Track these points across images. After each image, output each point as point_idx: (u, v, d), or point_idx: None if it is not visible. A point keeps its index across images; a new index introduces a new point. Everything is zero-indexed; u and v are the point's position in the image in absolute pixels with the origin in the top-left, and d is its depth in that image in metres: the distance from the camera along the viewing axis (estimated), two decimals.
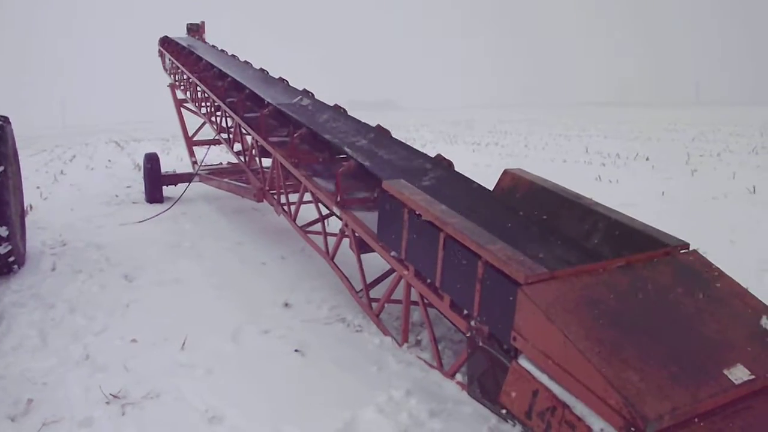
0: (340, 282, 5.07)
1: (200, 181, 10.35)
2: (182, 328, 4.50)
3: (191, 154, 11.88)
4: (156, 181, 10.52)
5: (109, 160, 19.27)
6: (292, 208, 6.06)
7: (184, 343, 4.26)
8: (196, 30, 13.84)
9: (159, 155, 11.08)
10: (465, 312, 3.25)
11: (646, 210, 8.70)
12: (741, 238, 6.85)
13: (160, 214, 8.99)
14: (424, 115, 53.02)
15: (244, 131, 7.33)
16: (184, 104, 11.88)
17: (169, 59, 11.81)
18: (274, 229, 7.73)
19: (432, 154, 5.25)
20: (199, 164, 11.23)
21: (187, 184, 10.17)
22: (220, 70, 8.99)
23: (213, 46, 12.12)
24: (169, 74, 12.29)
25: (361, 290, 4.65)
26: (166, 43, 12.32)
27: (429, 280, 3.53)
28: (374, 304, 4.50)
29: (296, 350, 4.12)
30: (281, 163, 6.03)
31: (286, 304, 5.05)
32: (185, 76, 10.58)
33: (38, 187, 12.79)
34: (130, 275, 6.07)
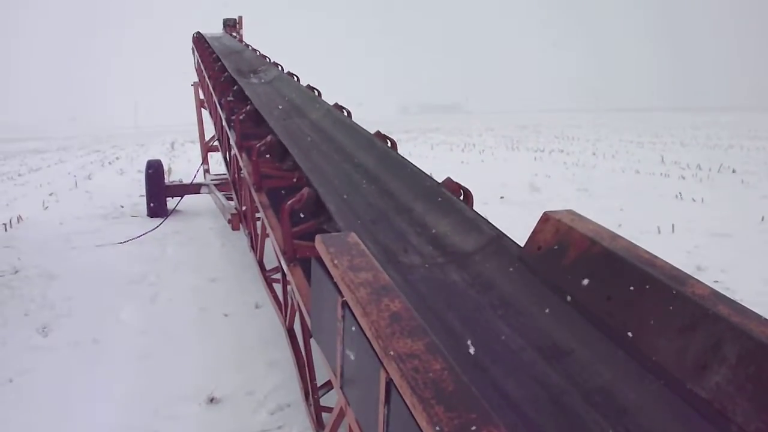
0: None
1: (208, 194, 9.08)
2: None
3: (204, 161, 10.51)
4: (158, 192, 9.25)
5: None
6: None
7: None
8: (233, 25, 12.72)
9: (163, 162, 9.88)
10: None
11: (744, 243, 6.87)
12: None
13: (143, 235, 7.55)
14: (492, 118, 50.89)
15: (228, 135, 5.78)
16: (205, 106, 10.62)
17: (196, 57, 10.59)
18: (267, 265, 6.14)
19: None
20: (210, 173, 10.06)
21: (180, 197, 8.81)
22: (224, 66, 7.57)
23: (246, 45, 10.69)
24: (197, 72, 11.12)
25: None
26: (196, 39, 11.04)
27: None
28: (327, 416, 2.81)
29: None
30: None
31: (212, 400, 3.41)
32: (203, 74, 9.33)
33: (51, 194, 12.21)
34: (50, 326, 4.69)
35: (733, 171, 13.08)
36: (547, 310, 2.28)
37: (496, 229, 2.75)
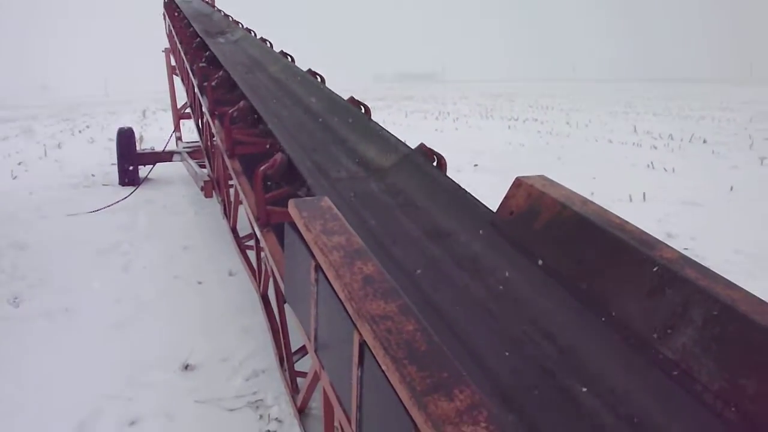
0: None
1: (181, 161, 9.01)
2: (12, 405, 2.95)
3: (177, 128, 10.41)
4: (129, 160, 9.13)
5: None
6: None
7: None
8: None
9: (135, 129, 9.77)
10: None
11: (714, 212, 6.97)
12: None
13: (115, 203, 7.47)
14: (467, 87, 50.64)
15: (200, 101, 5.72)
16: (176, 72, 10.47)
17: (167, 23, 10.42)
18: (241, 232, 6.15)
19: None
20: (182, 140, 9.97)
21: (152, 165, 8.74)
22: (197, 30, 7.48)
23: (217, 10, 10.56)
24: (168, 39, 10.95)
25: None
26: (167, 4, 10.85)
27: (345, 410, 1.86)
28: (302, 381, 2.83)
29: None
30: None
31: (187, 367, 3.42)
32: (175, 40, 9.20)
33: (20, 163, 12.00)
34: (21, 296, 4.62)
35: (704, 141, 13.17)
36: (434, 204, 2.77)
37: (410, 148, 3.19)
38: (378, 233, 2.65)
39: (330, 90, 4.56)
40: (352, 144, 3.58)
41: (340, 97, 4.31)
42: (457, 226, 2.62)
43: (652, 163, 10.23)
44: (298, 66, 5.62)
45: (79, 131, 19.60)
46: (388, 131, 3.46)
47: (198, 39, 7.03)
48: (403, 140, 3.28)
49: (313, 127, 4.04)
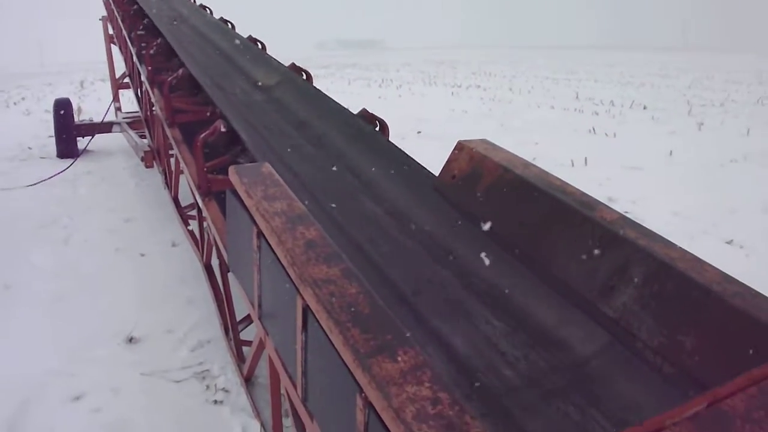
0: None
1: (120, 132, 8.80)
2: None
3: (115, 98, 10.13)
4: (67, 131, 8.87)
5: None
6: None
7: None
8: None
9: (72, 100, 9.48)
10: None
11: (653, 176, 7.11)
12: None
13: (53, 176, 7.27)
14: (411, 54, 50.38)
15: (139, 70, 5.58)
16: (114, 41, 10.15)
17: None
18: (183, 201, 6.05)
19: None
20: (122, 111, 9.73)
21: (91, 137, 8.52)
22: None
23: None
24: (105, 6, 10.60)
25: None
26: None
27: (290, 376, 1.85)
28: (247, 350, 2.81)
29: None
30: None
31: (131, 339, 3.37)
32: (111, 7, 8.91)
33: None
34: None
35: (644, 107, 13.36)
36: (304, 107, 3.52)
37: (289, 72, 4.07)
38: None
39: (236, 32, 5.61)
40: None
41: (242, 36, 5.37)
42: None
43: (593, 128, 10.36)
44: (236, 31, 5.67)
45: (14, 103, 18.93)
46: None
47: (135, 6, 6.87)
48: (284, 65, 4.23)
49: (219, 60, 4.96)
